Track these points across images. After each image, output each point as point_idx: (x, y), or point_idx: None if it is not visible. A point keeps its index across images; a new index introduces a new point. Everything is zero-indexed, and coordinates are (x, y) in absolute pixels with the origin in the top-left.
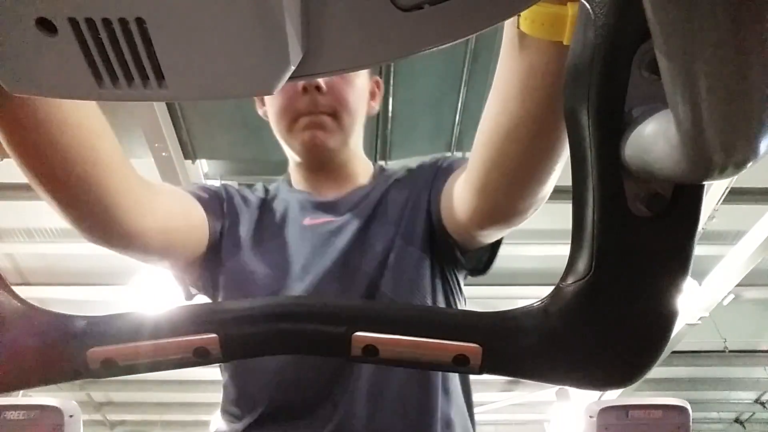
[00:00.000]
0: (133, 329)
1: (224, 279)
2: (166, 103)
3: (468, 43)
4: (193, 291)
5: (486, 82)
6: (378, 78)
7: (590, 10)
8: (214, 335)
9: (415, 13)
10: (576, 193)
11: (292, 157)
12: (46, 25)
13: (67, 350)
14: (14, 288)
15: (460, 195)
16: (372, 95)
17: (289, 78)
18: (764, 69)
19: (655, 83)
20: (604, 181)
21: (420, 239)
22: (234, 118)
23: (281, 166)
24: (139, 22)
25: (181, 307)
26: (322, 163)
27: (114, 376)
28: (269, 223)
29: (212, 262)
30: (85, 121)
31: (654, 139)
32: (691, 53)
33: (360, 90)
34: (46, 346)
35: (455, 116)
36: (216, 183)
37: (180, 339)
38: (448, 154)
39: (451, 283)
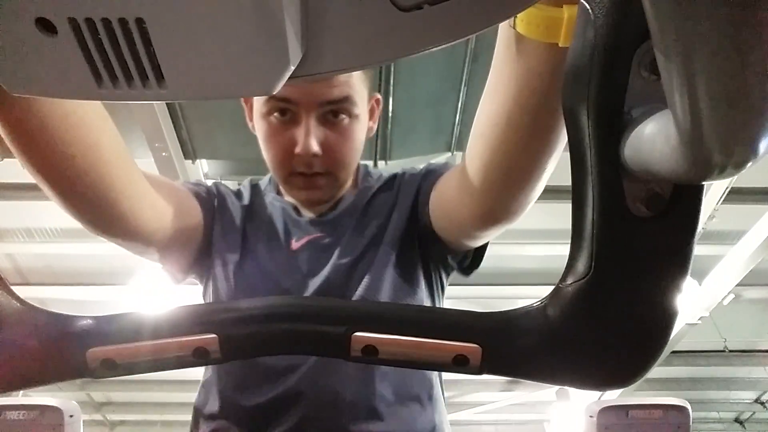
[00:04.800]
0: (133, 329)
1: (213, 288)
2: (166, 103)
3: (468, 43)
4: (184, 277)
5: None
6: (378, 95)
7: (590, 10)
8: (214, 335)
9: (415, 13)
10: (576, 193)
11: None
12: (45, 25)
13: (66, 350)
14: (14, 288)
15: (454, 197)
16: (371, 114)
17: (289, 78)
18: (763, 69)
19: (655, 83)
20: (604, 181)
21: (407, 246)
22: (234, 118)
23: None
24: (139, 22)
25: (181, 308)
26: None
27: (113, 376)
28: (255, 234)
29: (205, 261)
30: (87, 118)
31: (653, 139)
32: (691, 53)
33: (358, 140)
34: (45, 346)
35: (455, 116)
36: (208, 182)
37: (179, 339)
38: (441, 159)
39: (435, 286)
